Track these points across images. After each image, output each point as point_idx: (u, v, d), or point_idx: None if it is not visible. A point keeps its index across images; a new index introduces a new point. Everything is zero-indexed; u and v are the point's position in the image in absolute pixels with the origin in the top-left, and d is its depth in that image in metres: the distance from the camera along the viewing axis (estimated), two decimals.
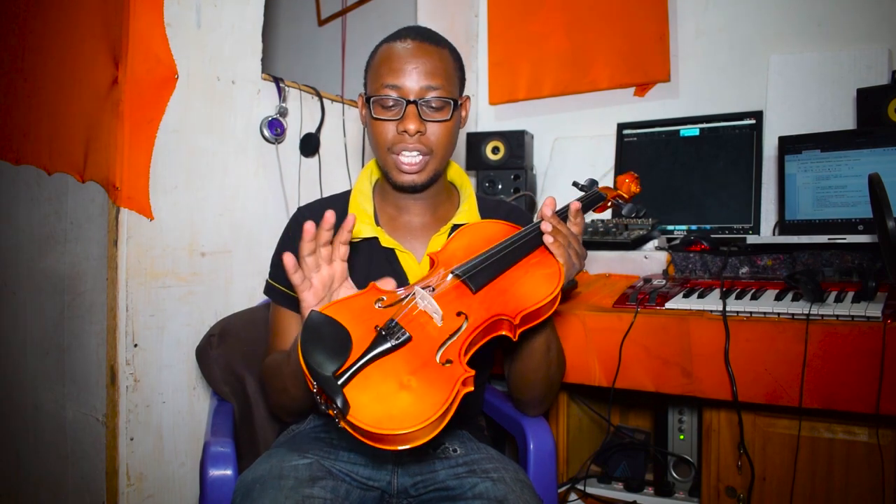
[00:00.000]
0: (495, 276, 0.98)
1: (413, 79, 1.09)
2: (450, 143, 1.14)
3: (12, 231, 1.76)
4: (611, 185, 1.41)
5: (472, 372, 0.82)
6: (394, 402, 0.78)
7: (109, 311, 1.42)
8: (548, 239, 1.02)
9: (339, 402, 0.76)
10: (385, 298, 0.92)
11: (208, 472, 1.10)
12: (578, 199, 1.17)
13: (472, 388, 0.81)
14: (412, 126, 1.08)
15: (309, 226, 0.94)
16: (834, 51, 1.83)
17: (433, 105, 1.10)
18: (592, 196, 1.21)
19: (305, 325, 0.85)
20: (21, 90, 1.74)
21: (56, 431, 1.59)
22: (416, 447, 0.77)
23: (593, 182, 1.26)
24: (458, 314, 0.90)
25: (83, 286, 1.51)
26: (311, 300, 0.96)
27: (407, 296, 0.93)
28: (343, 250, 0.98)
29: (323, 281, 0.97)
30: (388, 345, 0.83)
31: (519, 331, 0.95)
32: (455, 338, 0.87)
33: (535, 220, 1.07)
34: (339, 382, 0.78)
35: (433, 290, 0.94)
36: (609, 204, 1.27)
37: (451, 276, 0.97)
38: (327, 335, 0.82)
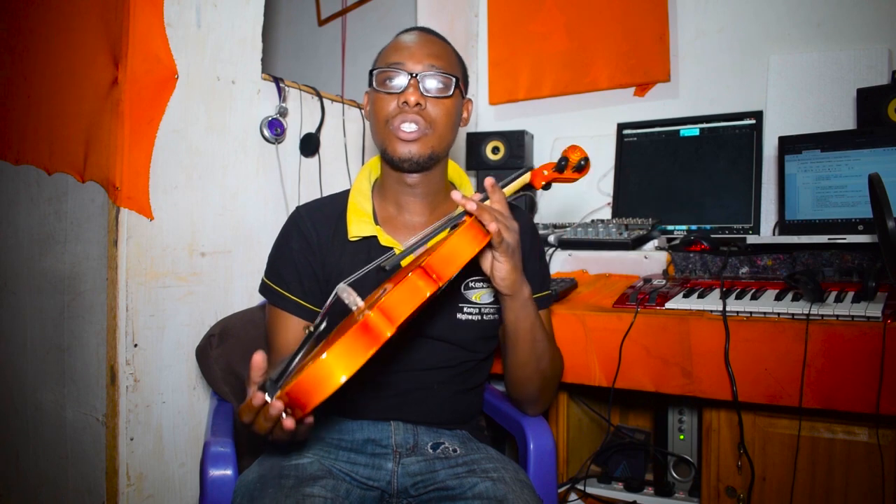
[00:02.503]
0: (410, 253, 1.02)
1: (416, 57, 1.12)
2: (449, 123, 1.15)
3: (12, 231, 1.76)
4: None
5: (377, 311, 0.83)
6: (307, 365, 0.82)
7: (109, 311, 1.42)
8: (470, 206, 0.96)
9: (269, 395, 0.83)
10: None
11: (208, 472, 1.10)
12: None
13: (392, 329, 0.81)
14: (412, 98, 1.10)
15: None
16: (834, 51, 1.83)
17: (435, 81, 1.12)
18: (515, 174, 1.17)
19: None
20: (21, 90, 1.74)
21: (56, 431, 1.59)
22: (338, 389, 0.79)
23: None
24: (381, 291, 0.94)
25: (83, 286, 1.51)
26: None
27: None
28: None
29: None
30: (310, 335, 0.90)
31: (444, 276, 0.90)
32: (370, 307, 0.88)
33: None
34: (279, 384, 0.84)
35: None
36: (546, 173, 1.15)
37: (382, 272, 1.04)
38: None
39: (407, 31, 1.20)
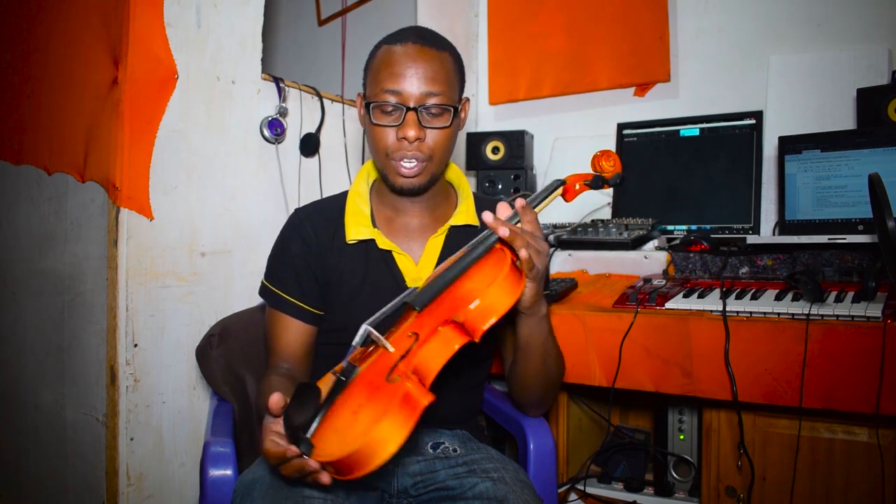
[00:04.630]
0: (441, 291, 0.96)
1: (413, 84, 1.07)
2: (448, 147, 1.14)
3: (12, 231, 1.76)
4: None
5: (414, 378, 0.84)
6: (349, 429, 0.82)
7: (109, 311, 1.42)
8: (503, 232, 0.94)
9: (303, 449, 0.82)
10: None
11: (208, 472, 1.10)
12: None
13: (430, 398, 0.82)
14: (412, 133, 1.07)
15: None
16: (834, 51, 1.83)
17: (433, 112, 1.09)
18: (546, 189, 1.11)
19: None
20: (21, 90, 1.74)
21: (56, 431, 1.59)
22: (387, 461, 0.79)
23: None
24: (410, 335, 0.92)
25: (83, 286, 1.51)
26: None
27: (366, 339, 0.97)
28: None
29: None
30: (341, 384, 0.90)
31: (478, 332, 0.90)
32: (405, 357, 0.88)
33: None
34: (308, 434, 0.84)
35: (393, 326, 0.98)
36: (577, 188, 1.13)
37: (405, 306, 0.99)
38: (299, 395, 0.87)
39: (401, 39, 1.11)
